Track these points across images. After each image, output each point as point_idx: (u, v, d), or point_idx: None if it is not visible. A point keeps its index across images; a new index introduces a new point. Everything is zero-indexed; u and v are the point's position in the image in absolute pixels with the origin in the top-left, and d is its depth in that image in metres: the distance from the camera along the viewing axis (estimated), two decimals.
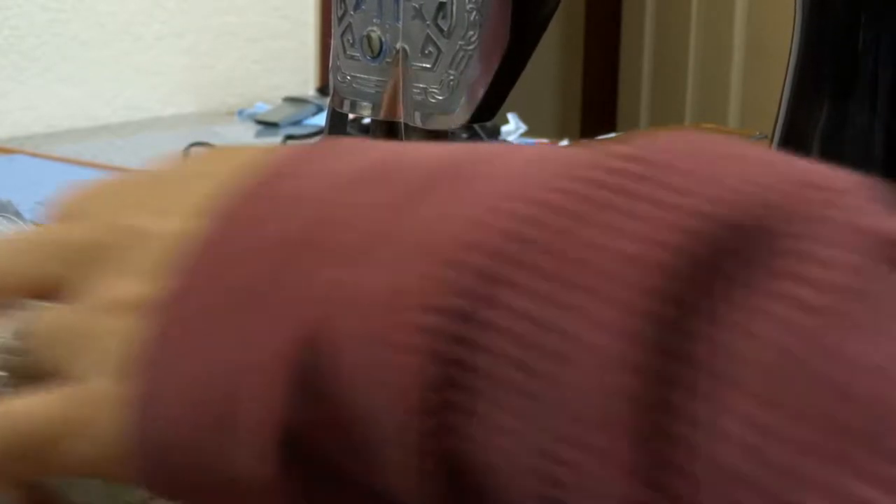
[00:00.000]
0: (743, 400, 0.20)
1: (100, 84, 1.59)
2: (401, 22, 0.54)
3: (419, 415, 0.23)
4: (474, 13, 0.51)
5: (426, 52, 0.53)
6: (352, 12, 0.56)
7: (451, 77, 0.52)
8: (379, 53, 0.55)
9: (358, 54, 0.56)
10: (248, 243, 0.26)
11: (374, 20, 0.55)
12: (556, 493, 0.22)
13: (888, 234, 0.21)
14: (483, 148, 0.26)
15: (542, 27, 0.53)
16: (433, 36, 0.53)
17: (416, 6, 0.53)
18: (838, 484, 0.19)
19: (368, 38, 0.55)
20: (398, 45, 0.54)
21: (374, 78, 0.56)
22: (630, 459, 0.21)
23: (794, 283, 0.21)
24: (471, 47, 0.51)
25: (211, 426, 0.26)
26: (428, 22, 0.53)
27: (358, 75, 0.56)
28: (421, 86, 0.54)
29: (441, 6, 0.52)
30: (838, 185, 0.23)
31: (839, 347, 0.20)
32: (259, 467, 0.25)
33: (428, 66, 0.53)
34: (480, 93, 0.52)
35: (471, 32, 0.51)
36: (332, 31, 0.58)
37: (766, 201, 0.22)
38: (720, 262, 0.21)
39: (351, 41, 0.56)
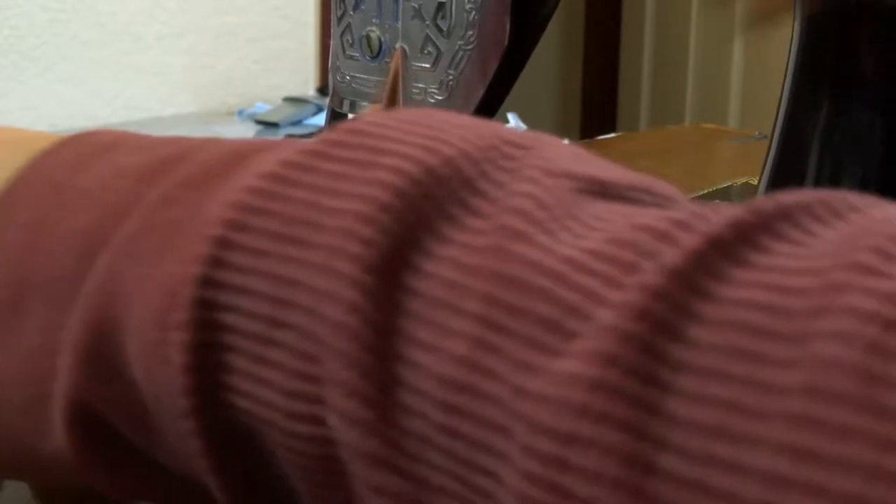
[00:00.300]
0: (455, 318, 0.23)
1: (100, 84, 1.60)
2: (400, 22, 0.54)
3: (189, 377, 0.25)
4: (473, 13, 0.51)
5: (425, 52, 0.53)
6: (351, 12, 0.56)
7: (451, 77, 0.52)
8: (378, 53, 0.55)
9: (357, 54, 0.56)
10: (33, 231, 0.28)
11: (374, 20, 0.55)
12: (321, 432, 0.24)
13: (570, 173, 0.25)
14: (274, 141, 0.29)
15: (542, 27, 0.53)
16: (432, 36, 0.53)
17: (416, 6, 0.53)
18: (527, 361, 0.22)
19: (368, 38, 0.55)
20: (397, 45, 0.54)
21: (373, 78, 0.56)
22: (362, 385, 0.23)
23: (484, 219, 0.24)
24: (470, 47, 0.51)
25: (26, 406, 0.28)
26: (427, 22, 0.53)
27: (357, 75, 0.56)
28: (420, 86, 0.54)
29: (440, 6, 0.52)
30: (533, 143, 0.26)
31: (516, 254, 0.23)
32: (64, 445, 0.27)
33: (427, 66, 0.53)
34: (480, 93, 0.52)
35: (470, 32, 0.51)
36: (332, 31, 0.58)
37: (465, 154, 0.25)
38: (424, 208, 0.24)
39: (350, 41, 0.56)
